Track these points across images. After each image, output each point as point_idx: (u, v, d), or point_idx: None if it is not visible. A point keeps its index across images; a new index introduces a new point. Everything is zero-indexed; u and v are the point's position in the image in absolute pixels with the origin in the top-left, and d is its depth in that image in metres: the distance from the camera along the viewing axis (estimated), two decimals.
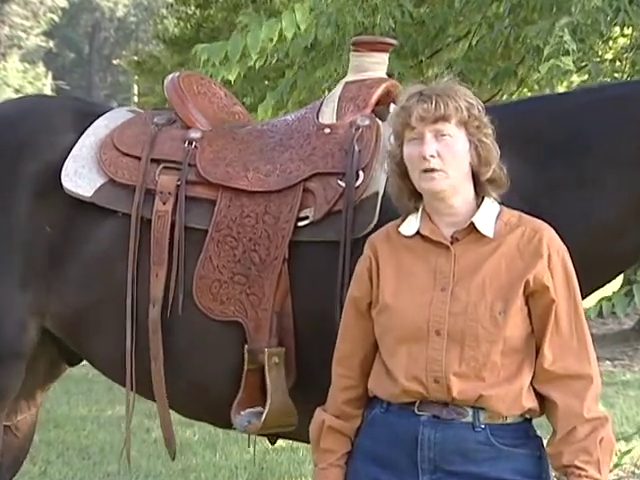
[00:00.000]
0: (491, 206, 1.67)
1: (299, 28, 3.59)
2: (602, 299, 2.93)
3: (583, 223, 1.85)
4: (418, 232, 1.68)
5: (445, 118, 1.61)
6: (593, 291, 1.96)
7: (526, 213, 1.73)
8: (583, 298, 1.93)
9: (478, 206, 1.66)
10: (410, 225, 1.69)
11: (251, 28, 3.58)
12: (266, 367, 1.90)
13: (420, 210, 1.69)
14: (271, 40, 3.55)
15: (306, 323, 1.93)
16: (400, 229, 1.70)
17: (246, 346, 1.95)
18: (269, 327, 1.92)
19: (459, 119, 1.62)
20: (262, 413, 1.91)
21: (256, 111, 4.31)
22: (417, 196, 1.68)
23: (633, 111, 1.87)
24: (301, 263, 1.95)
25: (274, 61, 4.05)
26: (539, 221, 1.67)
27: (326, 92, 4.61)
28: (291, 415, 1.91)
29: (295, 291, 1.94)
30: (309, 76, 4.21)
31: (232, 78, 3.78)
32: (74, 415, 5.29)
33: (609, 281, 1.99)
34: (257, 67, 3.95)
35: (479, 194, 1.67)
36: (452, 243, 1.65)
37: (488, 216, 1.65)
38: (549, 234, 1.65)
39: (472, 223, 1.64)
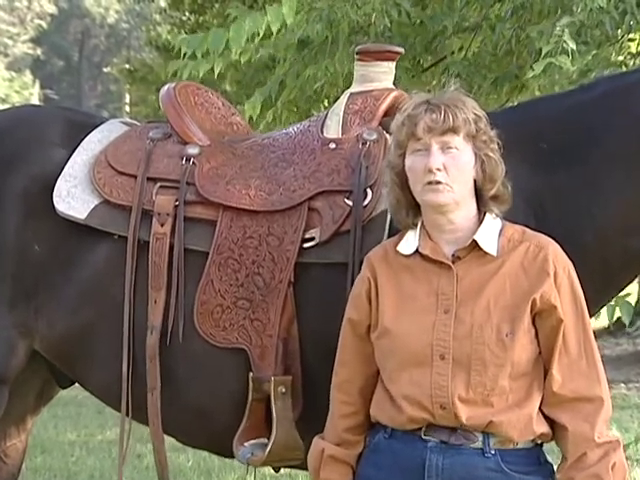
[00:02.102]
0: (493, 222, 1.66)
1: (286, 22, 3.57)
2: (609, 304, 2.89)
3: (590, 223, 1.85)
4: (417, 251, 1.66)
5: (454, 130, 1.60)
6: (616, 294, 1.94)
7: (532, 218, 1.74)
8: (604, 304, 1.92)
9: (480, 222, 1.65)
10: (408, 243, 1.68)
11: (234, 18, 3.56)
12: (272, 397, 1.88)
13: (418, 227, 1.68)
14: (258, 34, 3.52)
15: (313, 349, 1.91)
16: (398, 248, 1.69)
17: (250, 374, 1.93)
18: (275, 354, 1.91)
19: (467, 132, 1.62)
20: (266, 445, 1.89)
21: (252, 119, 4.29)
22: (416, 210, 1.67)
23: (625, 103, 1.89)
24: (307, 286, 1.93)
25: (258, 56, 4.01)
26: (543, 236, 1.67)
27: (325, 102, 4.59)
28: (297, 449, 1.89)
29: (301, 316, 1.93)
30: (299, 74, 4.19)
31: (215, 72, 3.75)
32: (62, 440, 5.25)
33: (630, 281, 1.97)
34: (242, 61, 3.92)
35: (481, 210, 1.67)
36: (454, 262, 1.64)
37: (490, 233, 1.65)
38: (554, 250, 1.65)
39: (474, 241, 1.63)
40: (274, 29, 3.53)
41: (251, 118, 4.17)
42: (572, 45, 2.86)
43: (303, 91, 4.30)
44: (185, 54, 3.66)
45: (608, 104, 1.91)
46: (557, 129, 1.93)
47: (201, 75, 3.79)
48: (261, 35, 3.57)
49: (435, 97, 1.65)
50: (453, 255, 1.64)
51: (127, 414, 2.03)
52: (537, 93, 4.28)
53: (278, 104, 4.28)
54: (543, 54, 2.92)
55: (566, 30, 2.91)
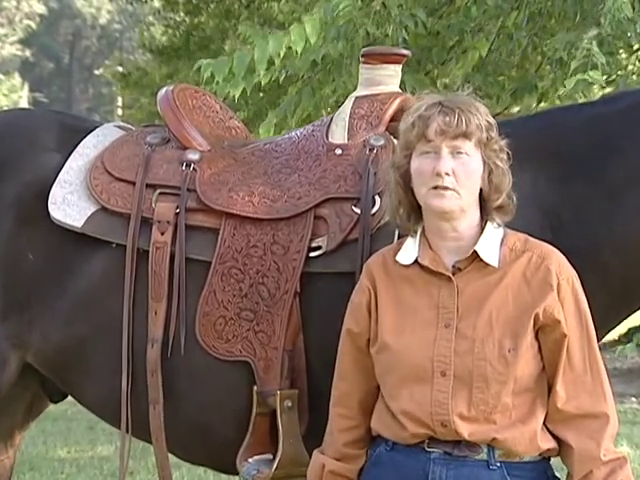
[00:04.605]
0: (495, 232, 1.66)
1: (309, 42, 3.60)
2: (632, 329, 2.91)
3: (609, 237, 1.84)
4: (416, 261, 1.66)
5: (466, 135, 1.60)
6: (631, 313, 1.93)
7: (548, 230, 1.73)
8: (620, 321, 1.91)
9: (481, 231, 1.65)
10: (408, 252, 1.68)
11: (256, 41, 3.59)
12: (278, 411, 1.87)
13: (418, 235, 1.68)
14: (278, 55, 3.55)
15: (320, 362, 1.91)
16: (397, 257, 1.69)
17: (255, 388, 1.92)
18: (280, 367, 1.90)
19: (479, 139, 1.62)
20: (272, 461, 1.89)
21: (252, 124, 4.30)
22: (417, 214, 1.67)
23: None
24: (314, 297, 1.93)
25: (282, 78, 4.05)
26: (547, 245, 1.67)
27: (329, 109, 4.60)
28: (304, 464, 1.88)
29: (307, 327, 1.93)
30: (315, 92, 4.21)
31: (237, 95, 3.79)
32: (51, 457, 5.22)
33: None
34: (263, 83, 3.95)
35: (483, 219, 1.67)
36: (454, 273, 1.64)
37: (492, 243, 1.65)
38: (557, 260, 1.64)
39: (475, 252, 1.63)
40: (298, 49, 3.56)
41: None
42: (602, 59, 2.88)
43: (318, 108, 4.32)
44: (208, 78, 3.67)
45: (633, 116, 1.90)
46: (578, 139, 1.93)
47: (223, 98, 3.82)
48: (282, 55, 3.60)
49: (448, 99, 1.64)
50: (454, 266, 1.64)
51: (127, 430, 2.02)
52: (557, 103, 4.30)
53: (292, 123, 4.30)
54: (572, 69, 2.94)
55: (594, 43, 2.94)
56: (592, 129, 1.93)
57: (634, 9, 3.02)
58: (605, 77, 3.02)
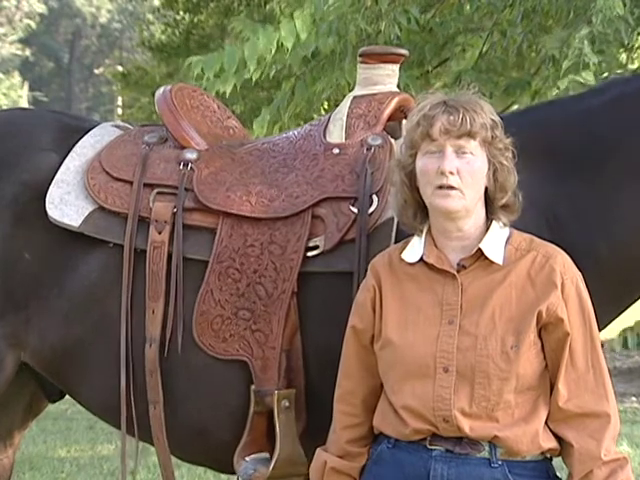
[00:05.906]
0: (500, 231, 1.66)
1: (299, 38, 3.61)
2: (627, 329, 2.92)
3: (605, 233, 1.85)
4: (422, 259, 1.67)
5: (470, 134, 1.60)
6: (629, 306, 1.94)
7: (545, 229, 1.74)
8: (615, 317, 1.91)
9: (487, 229, 1.65)
10: (413, 250, 1.69)
11: (247, 37, 3.60)
12: (275, 411, 1.87)
13: (424, 233, 1.68)
14: (270, 51, 3.56)
15: (317, 361, 1.91)
16: (403, 255, 1.69)
17: (252, 387, 1.92)
18: (277, 367, 1.90)
19: (483, 138, 1.62)
20: (269, 460, 1.89)
21: (247, 120, 4.30)
22: (423, 213, 1.68)
23: (637, 109, 1.88)
24: (311, 296, 1.93)
25: (272, 73, 4.05)
26: (552, 246, 1.67)
27: (325, 104, 4.61)
28: (301, 464, 1.89)
29: (305, 327, 1.92)
30: (308, 88, 4.22)
31: (228, 91, 3.79)
32: (51, 456, 5.21)
33: None
34: (254, 79, 3.95)
35: (489, 218, 1.67)
36: (459, 271, 1.64)
37: (497, 241, 1.65)
38: (562, 260, 1.64)
39: (480, 249, 1.63)
40: (289, 45, 3.56)
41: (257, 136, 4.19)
42: (594, 59, 2.88)
43: (310, 103, 4.33)
44: (198, 74, 3.67)
45: (620, 109, 1.90)
46: (569, 135, 1.92)
47: (214, 93, 3.82)
48: (274, 51, 3.61)
49: (452, 98, 1.65)
50: (458, 264, 1.65)
51: (127, 430, 2.02)
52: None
53: (285, 118, 4.30)
54: (564, 69, 2.95)
55: (586, 42, 2.94)
56: (582, 124, 1.92)
57: (625, 6, 3.02)
58: (596, 73, 3.02)
